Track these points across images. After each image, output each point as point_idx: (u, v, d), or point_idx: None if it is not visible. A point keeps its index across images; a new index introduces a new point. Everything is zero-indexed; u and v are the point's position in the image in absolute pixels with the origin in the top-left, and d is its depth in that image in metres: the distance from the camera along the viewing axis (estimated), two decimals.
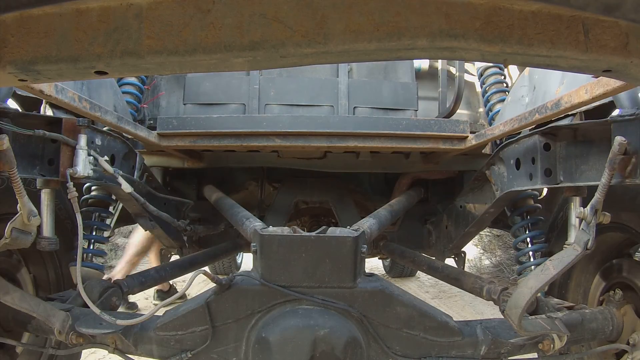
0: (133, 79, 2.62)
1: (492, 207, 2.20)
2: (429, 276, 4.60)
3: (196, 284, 5.38)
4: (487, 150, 2.57)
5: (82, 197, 2.20)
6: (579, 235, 1.46)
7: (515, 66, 2.74)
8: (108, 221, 2.24)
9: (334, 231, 1.66)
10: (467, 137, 2.31)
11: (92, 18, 0.87)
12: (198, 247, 3.08)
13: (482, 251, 7.86)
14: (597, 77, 1.34)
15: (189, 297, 2.18)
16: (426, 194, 3.14)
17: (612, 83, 1.30)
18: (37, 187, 1.75)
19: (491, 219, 2.40)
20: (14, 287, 1.61)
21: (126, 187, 1.87)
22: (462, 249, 2.88)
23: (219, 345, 1.60)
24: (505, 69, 2.87)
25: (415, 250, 2.84)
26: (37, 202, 1.67)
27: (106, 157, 1.84)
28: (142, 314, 1.60)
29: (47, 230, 1.74)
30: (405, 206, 2.75)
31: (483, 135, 2.17)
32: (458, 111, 2.65)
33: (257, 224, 2.02)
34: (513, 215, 2.28)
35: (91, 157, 1.74)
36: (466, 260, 2.98)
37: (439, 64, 2.79)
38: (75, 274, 1.64)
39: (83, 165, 1.70)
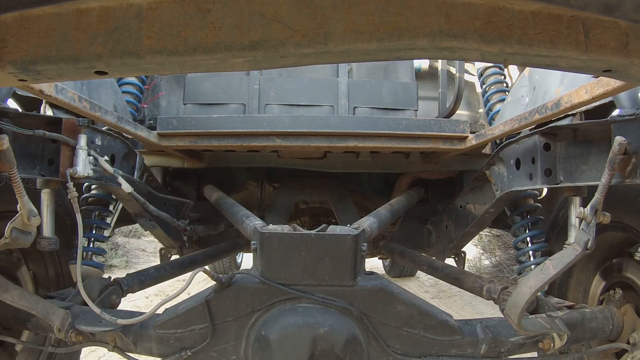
0: (133, 79, 2.62)
1: (492, 207, 2.20)
2: (429, 276, 4.60)
3: (196, 283, 5.37)
4: (487, 150, 2.57)
5: (82, 196, 2.20)
6: (579, 235, 1.46)
7: (515, 66, 2.74)
8: (108, 220, 2.24)
9: (334, 229, 1.66)
10: (467, 137, 2.31)
11: (92, 18, 0.87)
12: (198, 247, 3.08)
13: (481, 251, 7.86)
14: (597, 77, 1.34)
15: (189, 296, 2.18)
16: (426, 194, 3.14)
17: (612, 83, 1.30)
18: (37, 187, 1.75)
19: (491, 219, 2.41)
20: (14, 285, 1.61)
21: (126, 187, 1.87)
22: (462, 249, 2.88)
23: (219, 343, 1.61)
24: (505, 69, 2.87)
25: (415, 250, 2.84)
26: (37, 201, 1.67)
27: (106, 157, 1.84)
28: (142, 312, 1.60)
29: (47, 230, 1.74)
30: (405, 206, 2.75)
31: (483, 135, 2.17)
32: (458, 111, 2.65)
33: (257, 222, 2.02)
34: (513, 214, 2.28)
35: (91, 157, 1.74)
36: (466, 260, 2.99)
37: (439, 64, 2.79)
38: (75, 272, 1.64)
39: (83, 165, 1.70)
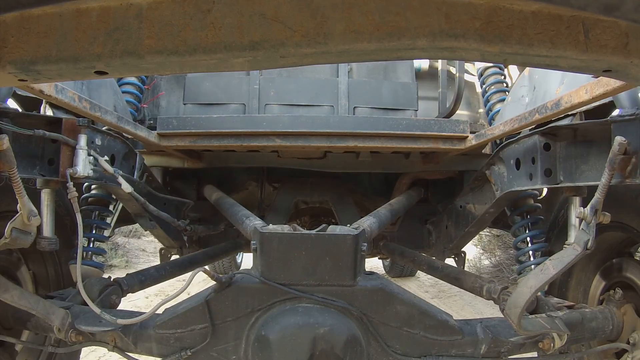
0: (133, 79, 2.62)
1: (492, 207, 2.20)
2: (429, 276, 4.60)
3: (196, 283, 5.37)
4: (487, 150, 2.57)
5: (82, 196, 2.20)
6: (579, 235, 1.46)
7: (515, 66, 2.74)
8: (108, 220, 2.24)
9: (334, 229, 1.66)
10: (467, 137, 2.31)
11: (92, 18, 0.87)
12: (198, 247, 3.08)
13: (481, 251, 7.86)
14: (597, 77, 1.34)
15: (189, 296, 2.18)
16: (426, 194, 3.14)
17: (612, 83, 1.30)
18: (37, 187, 1.75)
19: (491, 219, 2.41)
20: (14, 284, 1.61)
21: (126, 187, 1.87)
22: (462, 249, 2.88)
23: (219, 343, 1.60)
24: (505, 69, 2.87)
25: (415, 250, 2.84)
26: (37, 201, 1.67)
27: (106, 157, 1.84)
28: (142, 312, 1.60)
29: (47, 230, 1.74)
30: (405, 206, 2.75)
31: (483, 135, 2.17)
32: (458, 111, 2.65)
33: (257, 222, 2.02)
34: (513, 214, 2.28)
35: (91, 157, 1.74)
36: (466, 260, 2.99)
37: (439, 64, 2.79)
38: (75, 272, 1.64)
39: (83, 165, 1.70)
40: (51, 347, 1.88)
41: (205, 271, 1.51)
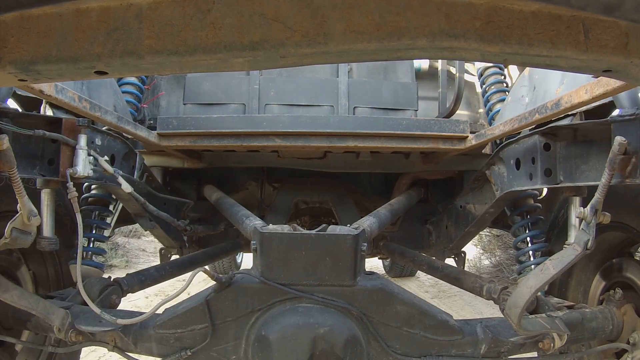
0: (133, 79, 2.62)
1: (492, 207, 2.21)
2: (429, 276, 4.60)
3: (196, 283, 5.37)
4: (487, 150, 2.57)
5: (82, 196, 2.20)
6: (579, 235, 1.46)
7: (515, 66, 2.74)
8: (108, 220, 2.24)
9: (334, 229, 1.66)
10: (467, 137, 2.32)
11: (92, 18, 0.87)
12: (198, 247, 3.08)
13: (481, 251, 7.86)
14: (597, 77, 1.34)
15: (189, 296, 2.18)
16: (426, 194, 3.14)
17: (612, 83, 1.30)
18: (37, 187, 1.76)
19: (491, 219, 2.41)
20: (14, 284, 1.61)
21: (126, 187, 1.87)
22: (462, 249, 2.88)
23: (219, 343, 1.61)
24: (505, 69, 2.87)
25: (415, 250, 2.84)
26: (37, 201, 1.67)
27: (106, 157, 1.84)
28: (142, 312, 1.60)
29: (47, 230, 1.74)
30: (405, 206, 2.75)
31: (483, 135, 2.17)
32: (458, 111, 2.65)
33: (257, 222, 2.02)
34: (513, 214, 2.28)
35: (91, 157, 1.74)
36: (466, 260, 2.99)
37: (439, 64, 2.80)
38: (75, 272, 1.64)
39: (83, 165, 1.70)
40: (51, 347, 1.88)
41: (205, 271, 1.51)
